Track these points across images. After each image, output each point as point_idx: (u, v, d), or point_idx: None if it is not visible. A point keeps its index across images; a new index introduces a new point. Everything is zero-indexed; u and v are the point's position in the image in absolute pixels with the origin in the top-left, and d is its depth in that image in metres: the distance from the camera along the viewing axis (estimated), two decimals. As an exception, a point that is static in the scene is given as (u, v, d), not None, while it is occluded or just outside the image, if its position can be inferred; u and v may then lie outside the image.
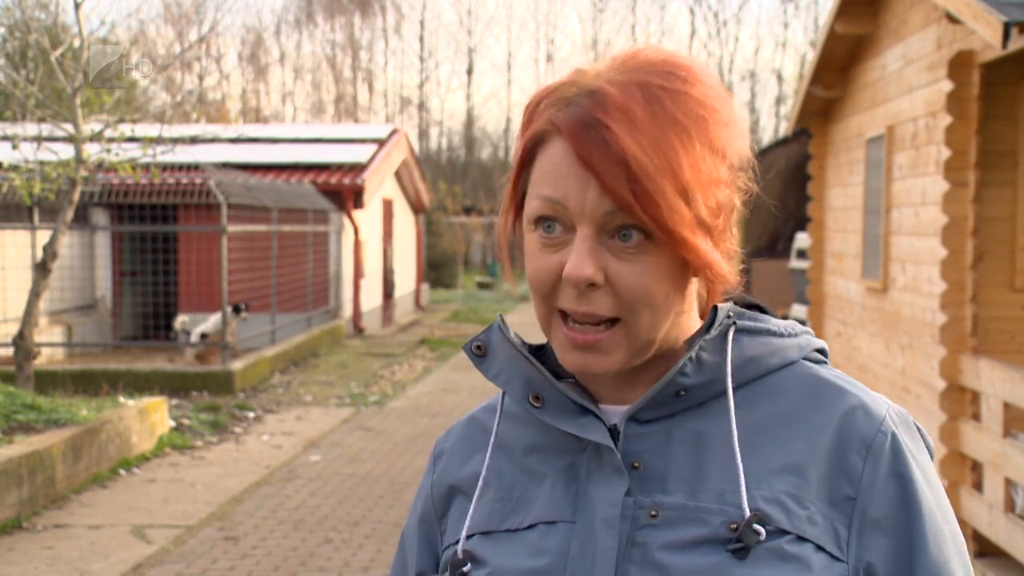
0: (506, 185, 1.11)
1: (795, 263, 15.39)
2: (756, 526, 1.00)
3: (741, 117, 1.09)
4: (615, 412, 1.10)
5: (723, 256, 1.07)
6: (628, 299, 1.02)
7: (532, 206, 1.05)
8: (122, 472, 8.34)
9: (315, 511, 7.32)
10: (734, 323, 1.08)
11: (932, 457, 1.11)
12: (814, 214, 9.79)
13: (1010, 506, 5.31)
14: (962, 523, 5.86)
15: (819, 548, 1.01)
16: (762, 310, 1.16)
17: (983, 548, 5.78)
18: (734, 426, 1.04)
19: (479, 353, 1.14)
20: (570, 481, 1.09)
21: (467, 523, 1.13)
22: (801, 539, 1.01)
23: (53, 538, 6.65)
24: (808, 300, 10.00)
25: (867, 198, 8.07)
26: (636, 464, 1.06)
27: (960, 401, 5.95)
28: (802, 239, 14.67)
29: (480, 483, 1.14)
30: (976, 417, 5.80)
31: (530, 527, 1.09)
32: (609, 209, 1.00)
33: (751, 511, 1.01)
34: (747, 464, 1.04)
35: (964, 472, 5.92)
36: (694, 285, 1.09)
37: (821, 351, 1.15)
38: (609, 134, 1.00)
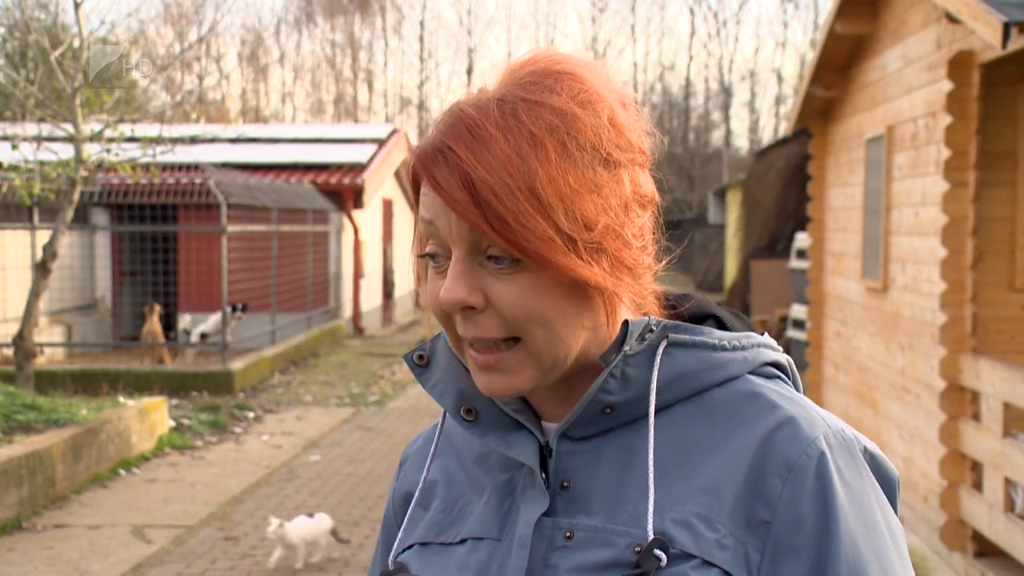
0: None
1: (795, 263, 15.39)
2: (657, 551, 0.95)
3: (625, 114, 1.02)
4: (554, 429, 1.06)
5: (613, 267, 1.00)
6: (513, 319, 0.98)
7: (419, 232, 1.03)
8: (122, 472, 8.34)
9: (315, 511, 7.32)
10: (666, 337, 1.02)
11: (892, 485, 1.04)
12: (814, 214, 9.79)
13: (1010, 506, 5.31)
14: (962, 523, 5.86)
15: (726, 574, 0.96)
16: (717, 317, 1.10)
17: (983, 548, 5.78)
18: (651, 445, 1.00)
19: (421, 363, 1.10)
20: (504, 497, 1.07)
21: (400, 535, 1.12)
22: (707, 563, 0.96)
23: (53, 538, 6.65)
24: (808, 300, 10.00)
25: (867, 198, 8.07)
26: (565, 483, 1.03)
27: (960, 401, 5.95)
28: (802, 239, 14.67)
29: (417, 494, 1.13)
30: (976, 417, 5.80)
31: (461, 542, 1.07)
32: (473, 231, 0.97)
33: (655, 534, 0.96)
34: (665, 485, 0.99)
35: (964, 472, 5.92)
36: (597, 298, 1.01)
37: (776, 365, 1.08)
38: (453, 158, 0.96)
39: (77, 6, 9.89)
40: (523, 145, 0.96)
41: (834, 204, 9.32)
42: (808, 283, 9.97)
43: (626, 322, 1.01)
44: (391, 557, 1.12)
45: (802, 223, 14.75)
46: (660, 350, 1.02)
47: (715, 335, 1.05)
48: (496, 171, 0.95)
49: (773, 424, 1.00)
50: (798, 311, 13.50)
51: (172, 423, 9.92)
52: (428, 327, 1.12)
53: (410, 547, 1.11)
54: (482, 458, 1.11)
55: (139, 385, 11.78)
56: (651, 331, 1.01)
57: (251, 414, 10.97)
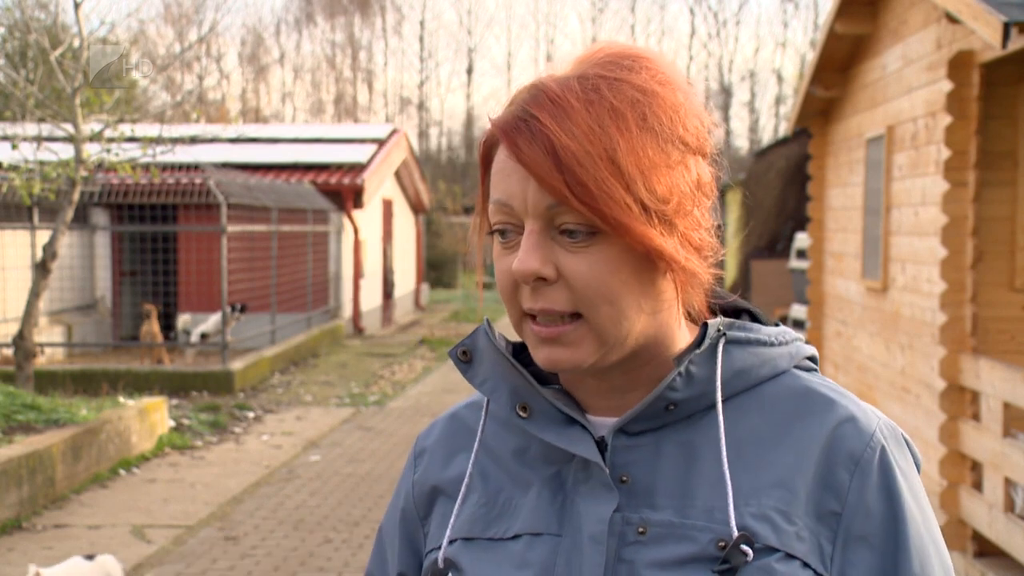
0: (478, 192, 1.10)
1: (795, 263, 15.40)
2: (743, 546, 0.98)
3: (695, 102, 1.05)
4: (602, 423, 1.08)
5: (682, 245, 1.02)
6: (583, 293, 1.00)
7: (490, 211, 1.05)
8: (122, 472, 8.34)
9: (315, 511, 7.32)
10: (724, 334, 1.05)
11: (919, 469, 1.09)
12: (814, 214, 9.79)
13: (1010, 506, 5.31)
14: (962, 523, 5.86)
15: (805, 565, 1.00)
16: (752, 315, 1.13)
17: (983, 548, 5.78)
18: (723, 442, 1.02)
19: (465, 359, 1.12)
20: (556, 491, 1.07)
21: (449, 529, 1.11)
22: (790, 556, 0.99)
23: (53, 538, 6.66)
24: (808, 300, 10.00)
25: (867, 198, 8.07)
26: (624, 478, 1.04)
27: (960, 401, 5.95)
28: (802, 239, 14.67)
29: (464, 487, 1.13)
30: (976, 417, 5.80)
31: (515, 537, 1.07)
32: (551, 203, 0.99)
33: (739, 530, 0.99)
34: (736, 479, 1.02)
35: (964, 472, 5.92)
36: (668, 283, 1.04)
37: (812, 358, 1.12)
38: (539, 125, 0.99)
39: (77, 6, 9.89)
40: (604, 116, 0.99)
41: (834, 204, 9.32)
42: (808, 283, 9.97)
43: (705, 324, 1.04)
44: (440, 554, 1.10)
45: (802, 223, 14.75)
46: (720, 347, 1.04)
47: (764, 332, 1.08)
48: (578, 138, 0.98)
49: (836, 420, 1.04)
50: (798, 311, 13.51)
51: (172, 423, 9.92)
52: (479, 304, 1.14)
53: (452, 543, 1.11)
54: (520, 452, 1.11)
55: (139, 385, 11.78)
56: (718, 330, 1.05)
57: (251, 414, 10.97)
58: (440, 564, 1.10)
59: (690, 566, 0.99)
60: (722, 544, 0.99)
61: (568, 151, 0.97)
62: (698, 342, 1.03)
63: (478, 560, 1.08)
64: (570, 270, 1.00)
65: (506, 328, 1.20)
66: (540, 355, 1.03)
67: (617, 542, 1.02)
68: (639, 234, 0.98)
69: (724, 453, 1.02)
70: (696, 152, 1.04)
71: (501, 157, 1.03)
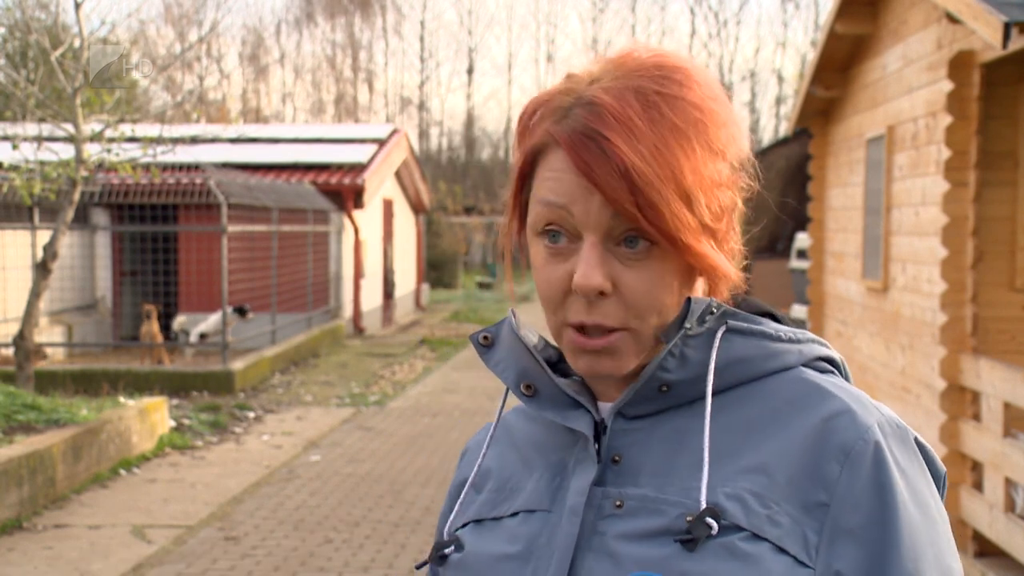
0: (507, 195, 1.11)
1: (795, 263, 15.40)
2: (708, 520, 0.98)
3: (739, 116, 1.09)
4: (609, 408, 1.10)
5: (727, 257, 1.07)
6: (636, 306, 1.03)
7: (537, 213, 1.05)
8: (122, 472, 8.34)
9: (315, 511, 7.32)
10: (725, 323, 1.06)
11: (942, 478, 1.07)
12: (814, 214, 9.79)
13: (1010, 506, 5.31)
14: (962, 523, 5.86)
15: (780, 550, 0.98)
16: (773, 315, 1.14)
17: (983, 548, 5.78)
18: (707, 423, 1.03)
19: (486, 344, 1.15)
20: (556, 474, 1.10)
21: (455, 511, 1.17)
22: (757, 537, 0.99)
23: (53, 538, 6.66)
24: (808, 300, 10.00)
25: (867, 198, 8.08)
26: (616, 458, 1.06)
27: (960, 401, 5.95)
28: (802, 239, 14.67)
29: (473, 474, 1.18)
30: (976, 417, 5.80)
31: (513, 515, 1.11)
32: (613, 215, 1.01)
33: (707, 505, 0.99)
34: (719, 463, 1.02)
35: (964, 472, 5.92)
36: (699, 284, 1.08)
37: (829, 360, 1.13)
38: (608, 145, 1.00)
39: (78, 6, 9.89)
40: (668, 136, 1.01)
41: (834, 204, 9.32)
42: (808, 283, 9.97)
43: (688, 299, 1.04)
44: (445, 530, 1.17)
45: (802, 223, 14.75)
46: (719, 334, 1.06)
47: (772, 326, 1.09)
48: (647, 159, 1.00)
49: (829, 411, 1.03)
50: (798, 311, 13.51)
51: (172, 423, 9.92)
52: (511, 295, 1.24)
53: (464, 526, 1.16)
54: (538, 443, 1.15)
55: (139, 385, 11.78)
56: (711, 313, 1.05)
57: (251, 414, 10.97)
58: (444, 537, 1.15)
59: (658, 538, 1.01)
60: (689, 518, 1.00)
61: (640, 172, 0.99)
62: (680, 319, 1.04)
63: (479, 537, 1.12)
64: (626, 284, 1.03)
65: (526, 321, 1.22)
66: (581, 364, 1.06)
67: (595, 515, 1.05)
68: (701, 253, 1.02)
69: (707, 434, 1.02)
70: (738, 164, 1.08)
71: (556, 165, 1.03)
